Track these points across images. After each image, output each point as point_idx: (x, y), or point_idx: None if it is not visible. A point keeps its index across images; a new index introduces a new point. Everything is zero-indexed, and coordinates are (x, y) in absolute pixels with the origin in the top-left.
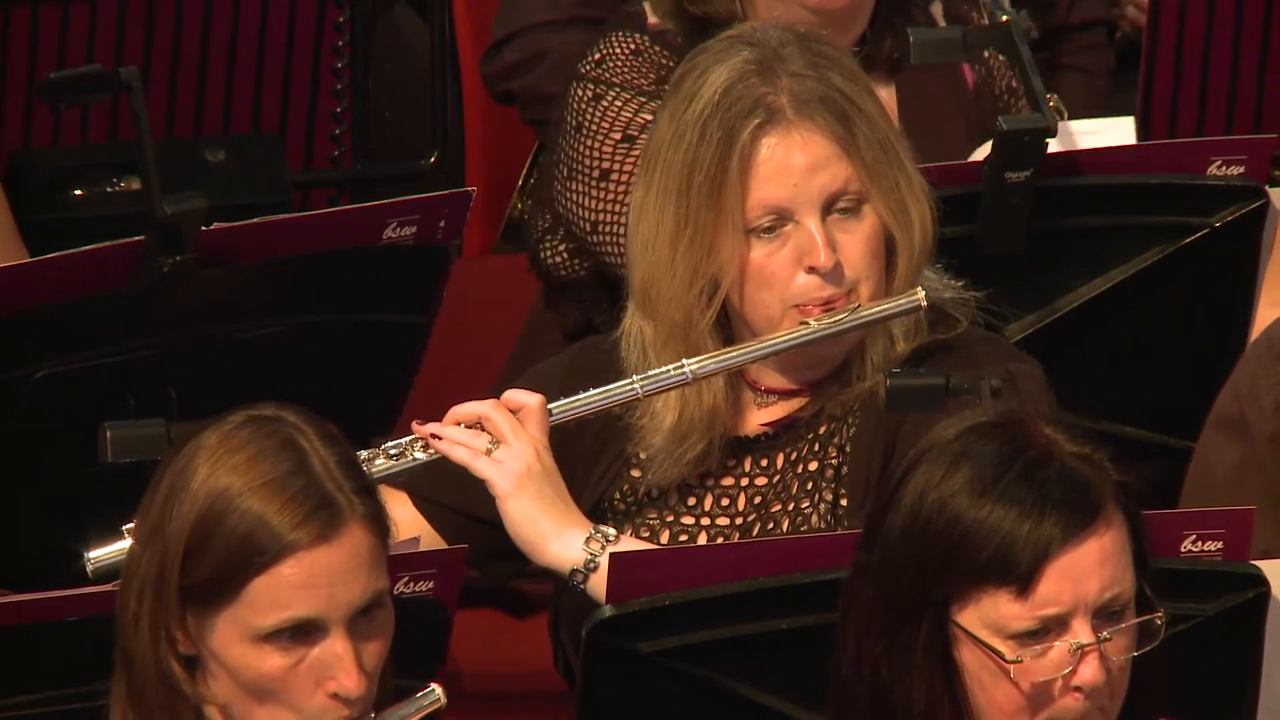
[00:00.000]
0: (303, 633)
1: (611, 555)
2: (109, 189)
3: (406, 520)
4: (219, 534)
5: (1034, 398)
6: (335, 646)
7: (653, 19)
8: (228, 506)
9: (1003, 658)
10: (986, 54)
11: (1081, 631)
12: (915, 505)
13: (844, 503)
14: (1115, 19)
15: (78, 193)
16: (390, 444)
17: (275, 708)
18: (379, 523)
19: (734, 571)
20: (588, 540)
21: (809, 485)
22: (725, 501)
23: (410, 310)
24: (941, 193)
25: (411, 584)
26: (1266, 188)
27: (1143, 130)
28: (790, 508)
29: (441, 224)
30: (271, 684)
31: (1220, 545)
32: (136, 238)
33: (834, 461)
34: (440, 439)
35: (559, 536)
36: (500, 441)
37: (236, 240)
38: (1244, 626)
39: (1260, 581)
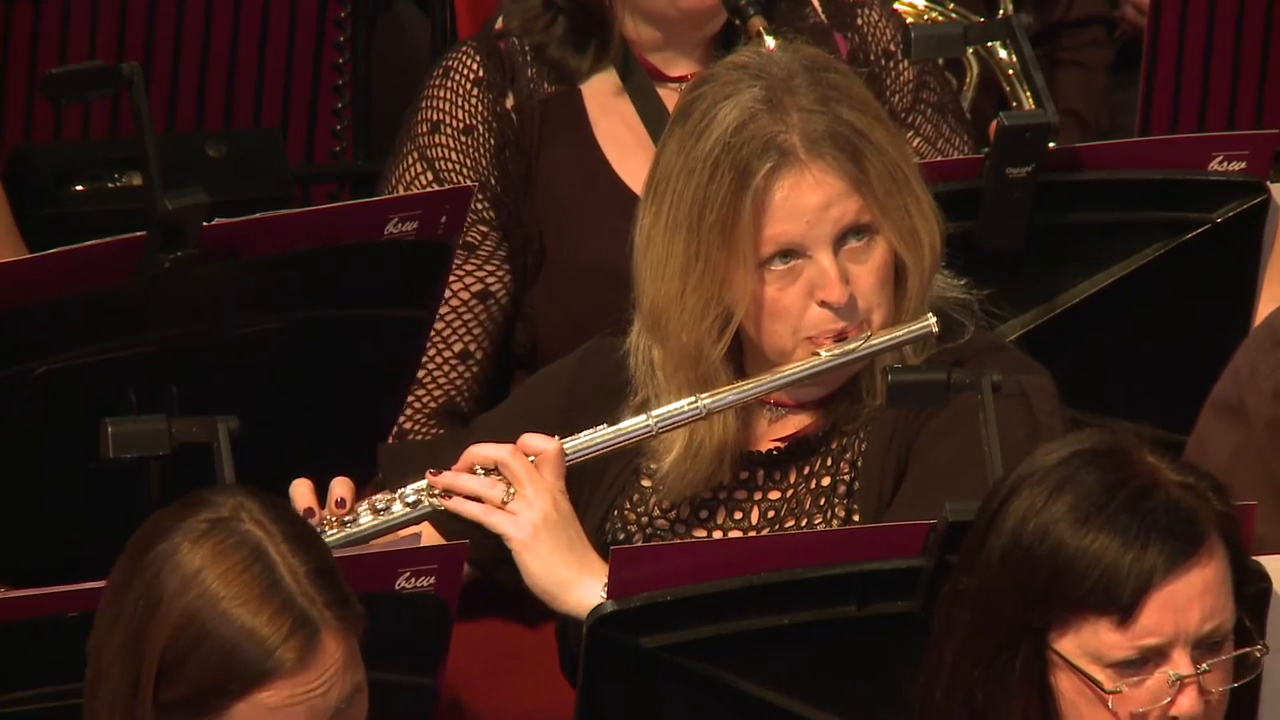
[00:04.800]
0: None
1: (613, 550)
2: (110, 184)
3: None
4: (197, 654)
5: (1045, 412)
6: None
7: (498, 25)
8: (205, 626)
9: (1101, 687)
10: (859, 20)
11: (1181, 663)
12: (1017, 531)
13: (856, 519)
14: (1114, 16)
15: (79, 188)
16: (409, 490)
17: None
18: (351, 626)
19: (735, 567)
20: (606, 586)
21: (821, 501)
22: (738, 515)
23: (411, 306)
24: (942, 189)
25: (412, 580)
26: (1268, 183)
27: (1144, 125)
28: (804, 523)
29: (443, 220)
30: None
31: None
32: (138, 233)
33: (846, 478)
34: (452, 496)
35: (578, 585)
36: (516, 489)
37: (238, 236)
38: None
39: (1261, 577)
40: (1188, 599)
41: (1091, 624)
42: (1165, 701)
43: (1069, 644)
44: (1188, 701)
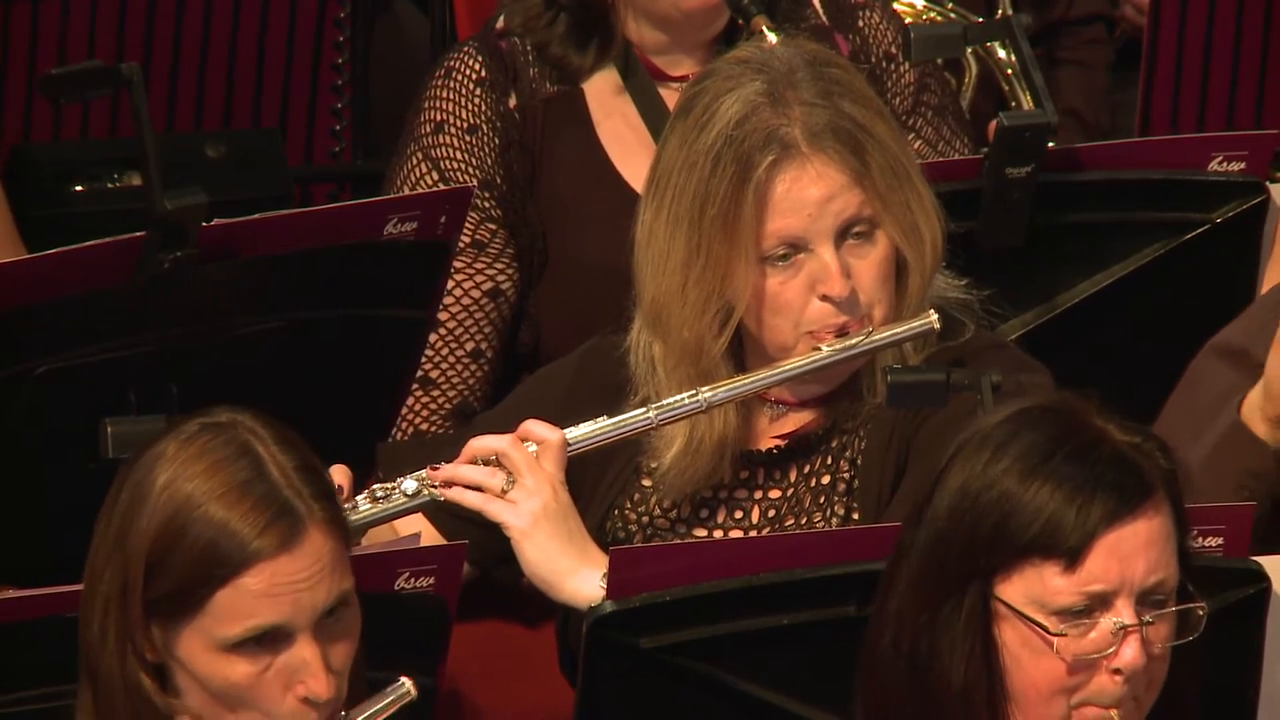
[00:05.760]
0: (269, 640)
1: (612, 550)
2: (110, 184)
3: (410, 521)
4: (180, 546)
5: None
6: (303, 652)
7: (500, 24)
8: (188, 518)
9: (1047, 631)
10: (860, 22)
11: (1125, 612)
12: (964, 484)
13: (856, 517)
14: (1115, 15)
15: (78, 188)
16: (407, 480)
17: (246, 714)
18: (339, 526)
19: (734, 567)
20: (605, 576)
21: (821, 499)
22: (739, 514)
23: (411, 306)
24: (942, 189)
25: (412, 580)
26: (1267, 184)
27: (1144, 125)
28: (804, 522)
29: (442, 219)
30: (241, 691)
31: (1221, 541)
32: (137, 233)
33: (846, 475)
34: (453, 485)
35: (575, 574)
36: (516, 478)
37: (237, 236)
38: (1244, 622)
39: (1261, 577)
40: (1134, 548)
41: (1038, 569)
42: (1109, 651)
43: (1014, 591)
44: (1131, 652)
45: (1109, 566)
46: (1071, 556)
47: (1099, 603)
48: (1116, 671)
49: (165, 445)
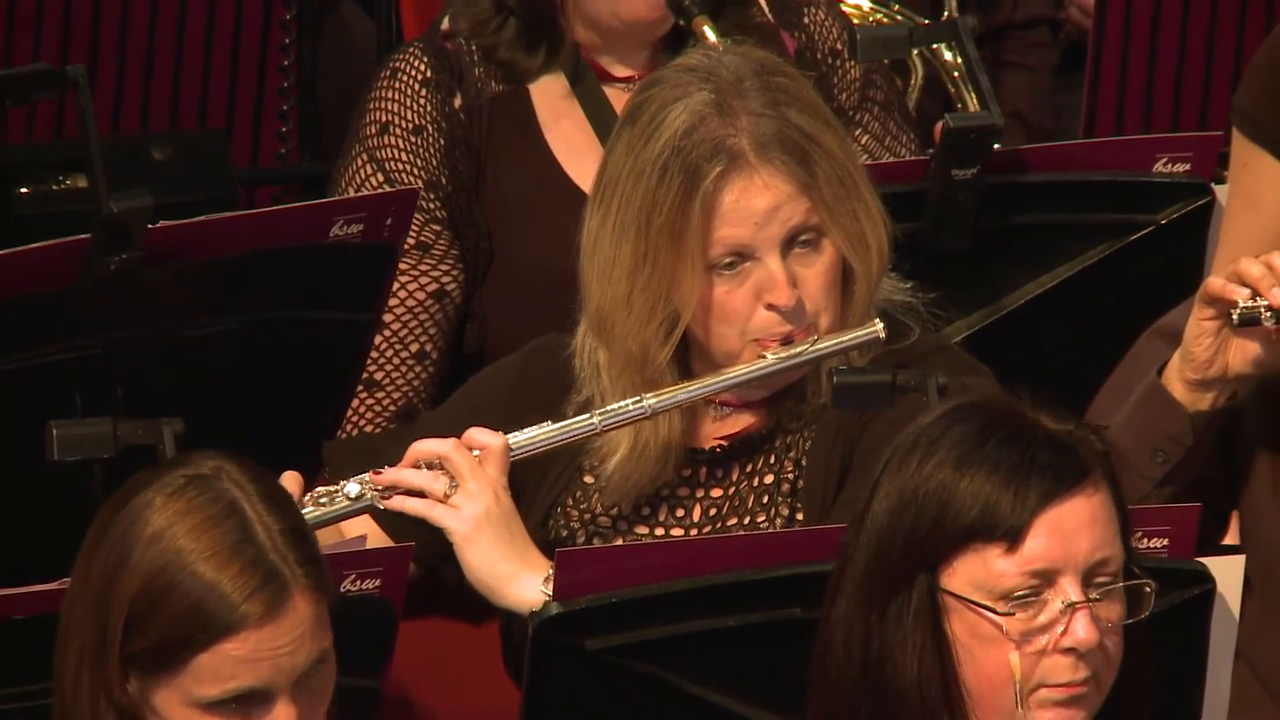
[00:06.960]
0: (246, 700)
1: (558, 552)
2: (55, 186)
3: (355, 521)
4: (163, 606)
5: None
6: (279, 713)
7: (445, 25)
8: (173, 579)
9: (995, 613)
10: (806, 19)
11: (1071, 589)
12: (901, 484)
13: (800, 518)
14: (1060, 18)
15: (23, 190)
16: (350, 484)
17: None
18: (322, 589)
19: (681, 569)
20: (546, 580)
21: (765, 499)
22: (680, 512)
23: (357, 308)
24: (888, 190)
25: (358, 582)
26: (1213, 185)
27: (1088, 127)
28: (746, 521)
29: (388, 222)
30: None
31: (1165, 542)
32: (82, 235)
33: (790, 476)
34: (396, 489)
35: (517, 579)
36: (459, 483)
37: (183, 238)
38: (1189, 623)
39: (1205, 579)
40: (1076, 525)
41: (979, 554)
42: (1059, 631)
43: (959, 580)
44: (1081, 628)
45: (1050, 544)
46: (1012, 537)
47: (1044, 582)
48: (1070, 650)
49: (151, 495)
